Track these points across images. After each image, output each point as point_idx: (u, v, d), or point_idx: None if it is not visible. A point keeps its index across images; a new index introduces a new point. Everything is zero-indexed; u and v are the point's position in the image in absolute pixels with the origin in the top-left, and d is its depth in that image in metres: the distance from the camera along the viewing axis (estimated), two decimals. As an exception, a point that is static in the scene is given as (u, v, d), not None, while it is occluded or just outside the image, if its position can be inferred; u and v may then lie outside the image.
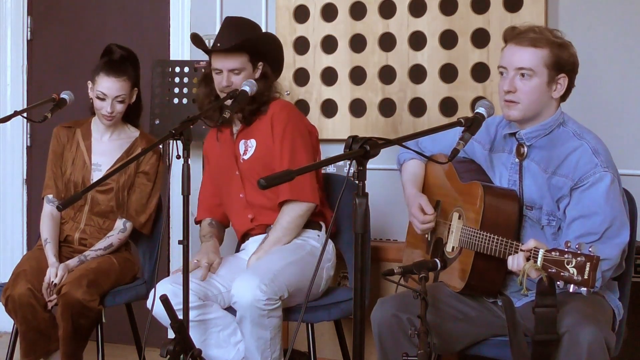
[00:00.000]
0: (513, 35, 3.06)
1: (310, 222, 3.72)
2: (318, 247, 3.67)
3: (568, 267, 2.58)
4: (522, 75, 3.01)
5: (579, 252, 2.58)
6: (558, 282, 2.62)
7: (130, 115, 4.02)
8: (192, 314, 3.43)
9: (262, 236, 3.73)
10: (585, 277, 2.55)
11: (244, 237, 3.84)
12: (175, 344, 3.18)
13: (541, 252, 2.66)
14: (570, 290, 2.59)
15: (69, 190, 3.95)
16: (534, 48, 3.00)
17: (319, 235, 3.73)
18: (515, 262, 2.79)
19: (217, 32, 4.68)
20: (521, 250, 2.78)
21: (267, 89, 3.73)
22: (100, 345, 3.77)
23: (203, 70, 3.90)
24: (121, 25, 5.01)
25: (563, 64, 3.04)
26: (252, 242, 3.76)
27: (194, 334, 3.35)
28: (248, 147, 3.75)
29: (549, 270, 2.62)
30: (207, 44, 4.63)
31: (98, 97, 3.86)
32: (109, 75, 3.85)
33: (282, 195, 3.65)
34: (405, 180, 3.47)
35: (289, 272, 3.46)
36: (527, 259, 2.72)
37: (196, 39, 3.81)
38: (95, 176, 3.94)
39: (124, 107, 3.91)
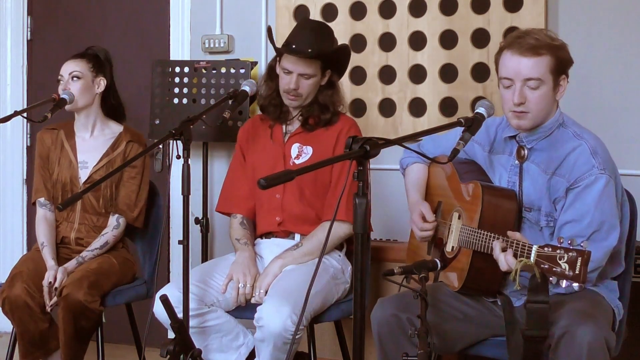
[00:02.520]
0: (511, 42, 3.03)
1: None
2: (339, 269, 3.65)
3: (560, 262, 2.59)
4: (531, 85, 2.99)
5: (570, 247, 2.59)
6: (551, 278, 2.63)
7: (111, 112, 4.04)
8: (194, 322, 3.41)
9: (285, 241, 3.69)
10: (577, 272, 2.56)
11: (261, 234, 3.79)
12: (175, 344, 3.18)
13: (534, 248, 2.67)
14: (563, 285, 2.59)
15: (57, 190, 3.96)
16: (538, 56, 2.97)
17: (340, 256, 3.70)
18: (504, 261, 2.79)
19: (217, 32, 4.70)
20: (505, 240, 2.80)
21: (337, 98, 3.71)
22: (100, 345, 3.76)
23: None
24: (121, 25, 5.01)
25: (564, 65, 3.03)
26: (272, 244, 3.72)
27: (195, 340, 3.33)
28: (302, 153, 3.70)
29: (542, 266, 2.63)
30: (211, 45, 4.66)
31: (58, 81, 3.92)
32: (67, 60, 3.95)
33: (337, 214, 3.54)
34: (408, 186, 3.47)
35: (316, 301, 3.44)
36: (515, 256, 2.73)
37: (270, 33, 3.75)
38: (82, 174, 3.95)
39: (81, 86, 3.89)
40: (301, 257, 3.59)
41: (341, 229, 3.61)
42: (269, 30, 3.78)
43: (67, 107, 3.90)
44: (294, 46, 3.62)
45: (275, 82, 3.71)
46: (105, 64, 3.98)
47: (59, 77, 3.92)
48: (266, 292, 3.50)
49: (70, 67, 3.91)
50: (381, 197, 4.26)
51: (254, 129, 3.83)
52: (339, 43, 3.78)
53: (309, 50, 3.59)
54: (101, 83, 3.96)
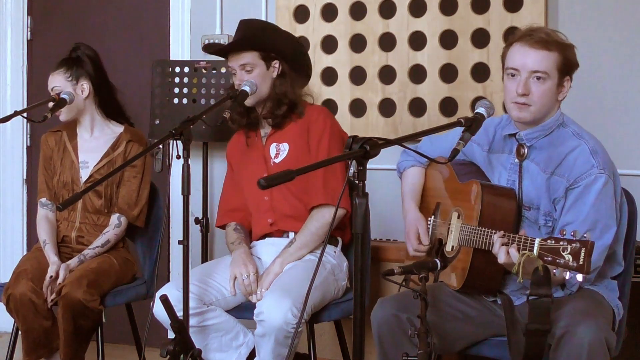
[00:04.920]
0: (521, 35, 3.03)
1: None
2: (336, 264, 3.65)
3: (563, 254, 2.60)
4: (537, 78, 2.99)
5: (574, 238, 2.59)
6: (554, 270, 2.63)
7: (110, 112, 4.03)
8: (194, 321, 3.41)
9: (279, 239, 3.70)
10: (581, 262, 2.56)
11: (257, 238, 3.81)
12: (175, 344, 3.17)
13: (537, 241, 2.67)
14: (567, 277, 2.59)
15: (59, 190, 3.96)
16: (548, 51, 2.98)
17: (335, 252, 3.70)
18: (504, 254, 2.78)
19: (217, 32, 4.71)
20: (507, 235, 2.80)
21: (290, 88, 3.67)
22: (100, 345, 3.76)
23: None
24: (121, 25, 5.01)
25: (571, 66, 3.04)
26: (267, 244, 3.73)
27: (195, 340, 3.33)
28: (280, 151, 3.71)
29: (545, 258, 2.63)
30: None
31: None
32: (50, 73, 3.95)
33: (315, 199, 3.60)
34: (405, 191, 3.47)
35: (315, 295, 3.44)
36: (518, 250, 2.73)
37: (208, 48, 3.80)
38: (83, 174, 3.96)
39: (70, 100, 3.87)
40: (297, 251, 3.60)
41: (328, 214, 3.59)
42: (207, 47, 3.82)
43: (61, 117, 3.93)
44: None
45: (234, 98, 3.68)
46: (86, 65, 3.95)
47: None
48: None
49: (50, 83, 3.93)
50: (380, 197, 4.25)
51: (238, 142, 3.86)
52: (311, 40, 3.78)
53: (236, 40, 3.63)
54: (84, 88, 3.94)
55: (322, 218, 3.60)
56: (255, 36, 3.65)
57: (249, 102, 3.66)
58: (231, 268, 3.60)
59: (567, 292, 3.02)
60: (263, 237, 3.77)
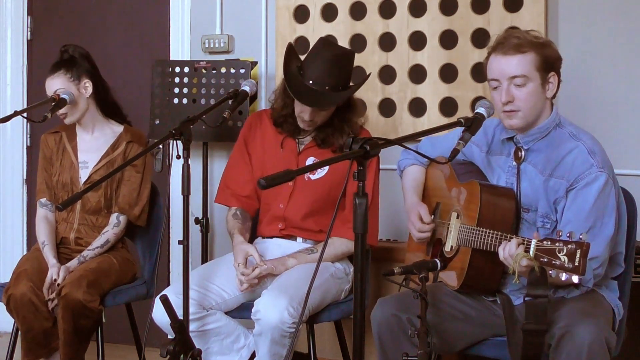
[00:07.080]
0: (495, 46, 3.06)
1: None
2: (341, 269, 3.65)
3: (559, 255, 2.60)
4: (517, 82, 3.01)
5: (569, 239, 2.59)
6: (550, 272, 2.63)
7: (109, 111, 4.02)
8: (194, 326, 3.40)
9: (288, 242, 3.69)
10: (576, 264, 2.57)
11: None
12: (175, 344, 3.18)
13: (534, 242, 2.67)
14: (563, 279, 2.59)
15: (58, 191, 3.96)
16: (521, 54, 3.00)
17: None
18: (507, 249, 2.78)
19: (217, 32, 4.70)
20: (505, 235, 2.81)
21: (354, 115, 3.63)
22: (100, 345, 3.77)
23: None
24: (121, 25, 5.01)
25: (551, 62, 3.05)
26: (275, 245, 3.71)
27: (195, 343, 3.32)
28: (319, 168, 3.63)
29: (541, 259, 2.63)
30: (211, 45, 4.66)
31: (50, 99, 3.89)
32: (47, 77, 3.91)
33: (347, 233, 3.50)
34: (406, 187, 3.47)
35: (313, 296, 3.41)
36: (519, 245, 2.73)
37: (291, 86, 3.53)
38: (83, 174, 3.95)
39: (70, 100, 3.86)
40: (313, 261, 3.57)
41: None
42: (287, 51, 3.65)
43: (67, 120, 3.92)
44: (310, 82, 3.50)
45: (292, 100, 3.60)
46: (82, 63, 3.93)
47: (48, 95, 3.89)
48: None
49: (51, 87, 3.88)
50: (381, 197, 4.25)
51: (261, 126, 3.77)
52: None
53: (325, 99, 3.49)
54: (87, 86, 3.92)
55: (351, 247, 3.56)
56: (344, 90, 3.55)
57: (307, 129, 3.61)
58: (237, 257, 3.56)
59: (583, 289, 3.00)
60: (271, 236, 3.75)
